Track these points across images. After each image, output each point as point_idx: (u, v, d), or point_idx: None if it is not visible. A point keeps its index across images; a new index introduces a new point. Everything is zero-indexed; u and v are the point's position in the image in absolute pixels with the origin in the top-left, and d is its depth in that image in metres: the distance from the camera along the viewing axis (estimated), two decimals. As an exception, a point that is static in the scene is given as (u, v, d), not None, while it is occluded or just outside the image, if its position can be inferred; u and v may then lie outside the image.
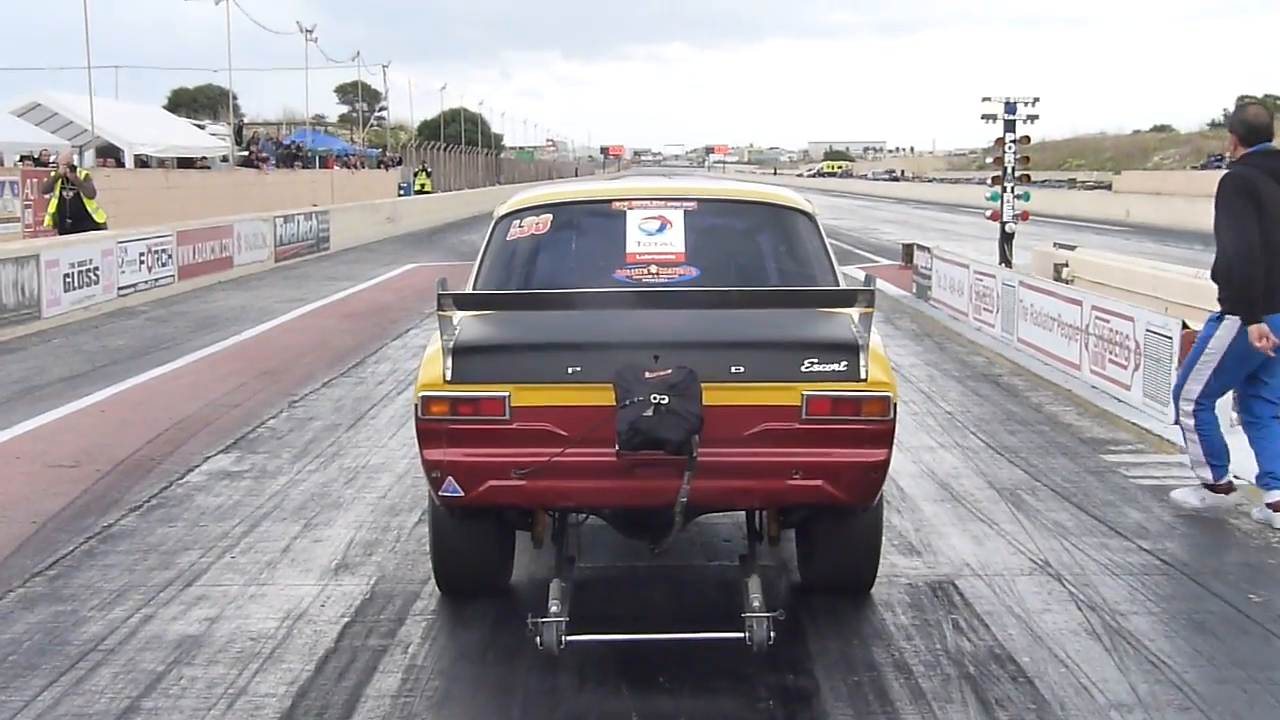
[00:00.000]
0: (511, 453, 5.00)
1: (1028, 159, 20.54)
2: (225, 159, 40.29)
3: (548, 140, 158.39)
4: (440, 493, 5.17)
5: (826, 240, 6.17)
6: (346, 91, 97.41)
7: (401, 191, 51.91)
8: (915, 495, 8.28)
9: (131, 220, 24.18)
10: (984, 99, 20.29)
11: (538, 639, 4.99)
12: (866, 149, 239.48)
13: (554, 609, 5.06)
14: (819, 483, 5.03)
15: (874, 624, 5.96)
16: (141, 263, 20.10)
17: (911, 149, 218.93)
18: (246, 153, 41.03)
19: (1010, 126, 20.15)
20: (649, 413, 4.76)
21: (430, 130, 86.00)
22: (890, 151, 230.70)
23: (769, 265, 5.99)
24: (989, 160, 21.46)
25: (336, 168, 47.84)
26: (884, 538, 6.39)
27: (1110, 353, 11.84)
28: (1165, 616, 6.10)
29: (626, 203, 5.94)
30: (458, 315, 5.19)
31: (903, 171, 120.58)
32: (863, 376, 5.00)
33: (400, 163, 58.53)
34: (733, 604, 5.53)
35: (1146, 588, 6.50)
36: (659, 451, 4.82)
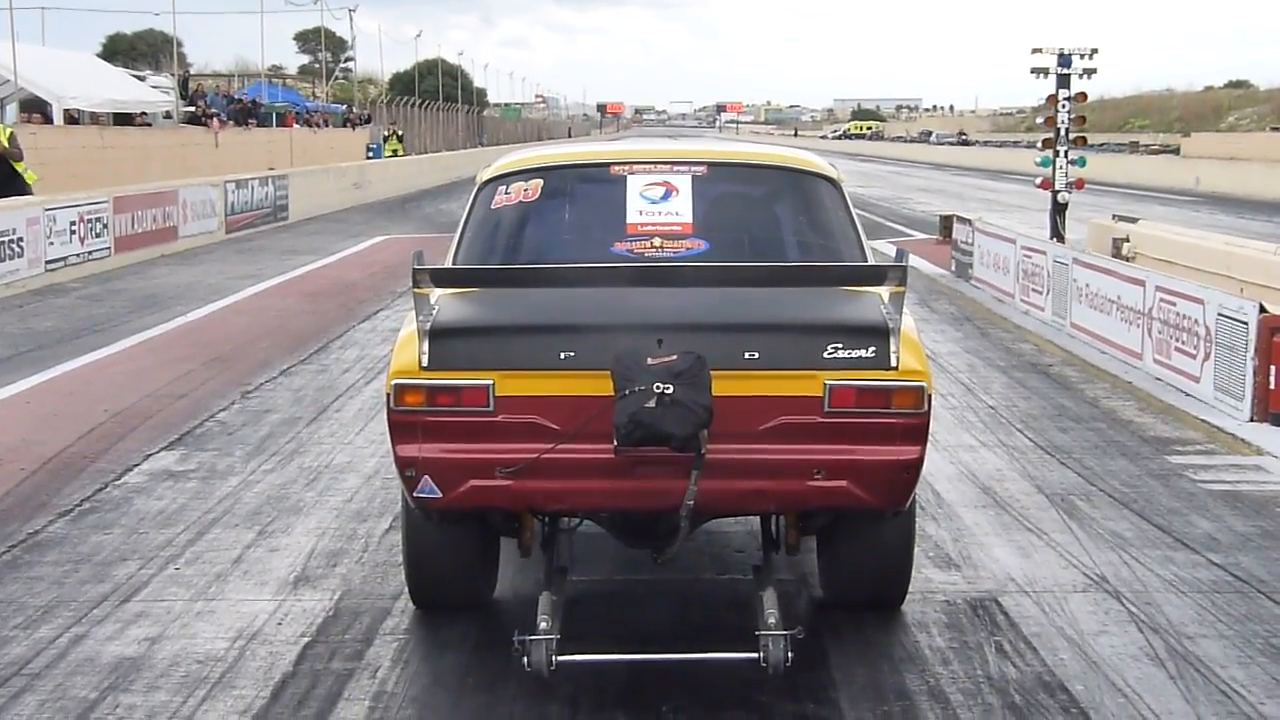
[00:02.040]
0: (496, 449, 4.96)
1: (1084, 119, 20.57)
2: (169, 115, 40.24)
3: (537, 96, 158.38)
4: (415, 494, 5.12)
5: (853, 209, 6.11)
6: (308, 39, 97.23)
7: (370, 154, 51.93)
8: (953, 501, 8.29)
9: (61, 185, 24.17)
10: (1034, 50, 20.30)
11: (525, 659, 4.97)
12: (900, 107, 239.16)
13: (543, 626, 5.01)
14: (843, 484, 4.99)
15: (906, 647, 5.97)
16: (73, 233, 20.11)
17: (951, 108, 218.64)
18: (193, 108, 41.02)
19: (1064, 82, 20.15)
20: (651, 404, 4.68)
21: (403, 84, 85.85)
22: (927, 110, 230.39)
23: (788, 238, 5.94)
24: (1040, 121, 21.52)
25: (296, 126, 47.81)
26: (917, 548, 6.45)
27: (1177, 340, 11.85)
28: (1239, 640, 6.11)
29: (627, 166, 5.86)
30: (436, 293, 5.15)
31: (962, 135, 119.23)
32: (893, 364, 4.95)
33: (369, 121, 58.54)
34: (745, 622, 5.53)
35: (1217, 607, 6.51)
36: (662, 448, 4.76)
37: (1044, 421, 10.56)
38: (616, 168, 5.88)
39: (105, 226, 21.31)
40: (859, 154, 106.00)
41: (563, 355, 4.91)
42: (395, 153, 52.95)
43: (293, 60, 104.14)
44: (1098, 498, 8.38)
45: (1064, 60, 20.16)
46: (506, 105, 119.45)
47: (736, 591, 6.36)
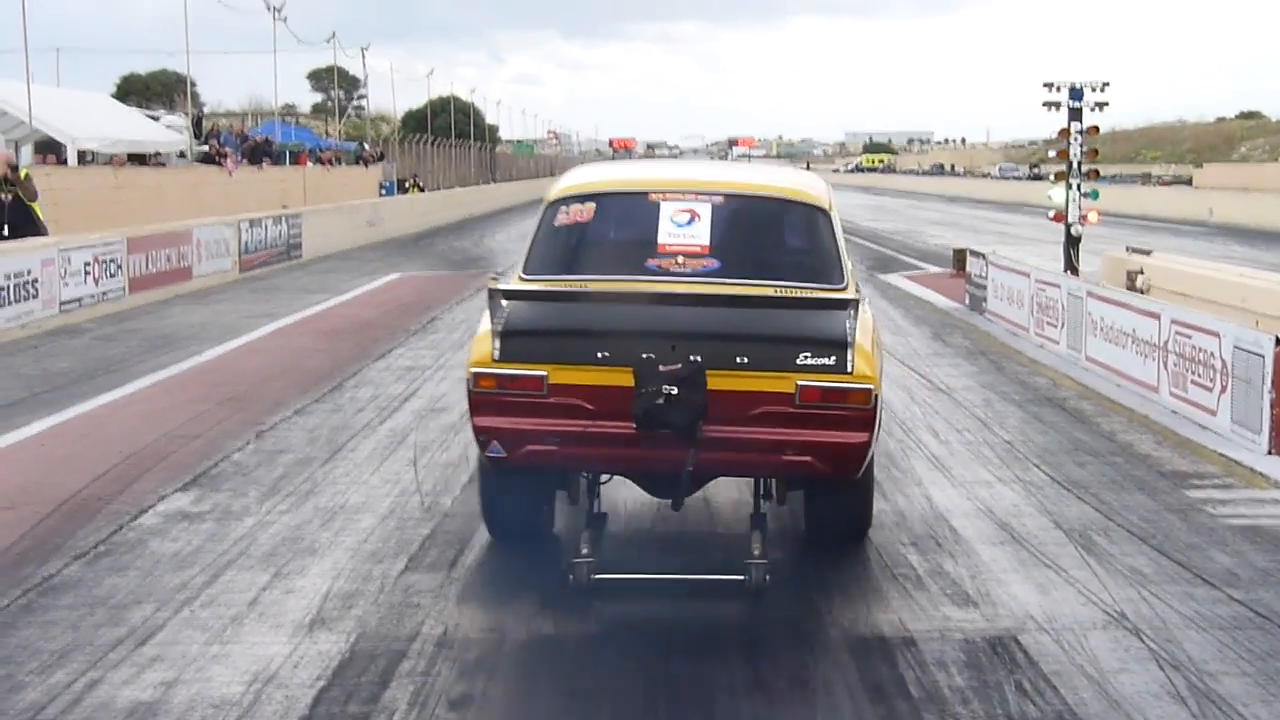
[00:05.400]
0: (547, 422, 6.56)
1: (1096, 152, 20.65)
2: (183, 155, 40.44)
3: (549, 132, 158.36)
4: (486, 454, 6.82)
5: (839, 234, 7.51)
6: (320, 78, 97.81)
7: (383, 191, 52.12)
8: (971, 537, 8.26)
9: (76, 225, 24.27)
10: (1046, 84, 20.37)
11: (571, 577, 6.67)
12: (911, 140, 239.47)
13: (585, 551, 6.76)
14: (808, 459, 6.50)
15: (925, 685, 5.94)
16: (87, 274, 20.17)
17: (962, 140, 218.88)
18: (207, 147, 41.19)
19: (1076, 115, 20.26)
20: (660, 401, 6.28)
21: (416, 121, 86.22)
22: (938, 143, 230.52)
23: (784, 258, 7.49)
24: (1052, 154, 21.53)
25: (310, 164, 47.98)
26: (935, 584, 7.22)
27: (1193, 373, 11.82)
28: (1261, 678, 6.07)
29: (662, 195, 7.38)
30: (506, 301, 6.69)
31: (940, 166, 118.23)
32: (849, 370, 6.44)
33: (382, 158, 58.69)
34: (737, 559, 7.06)
35: (1239, 644, 6.47)
36: (667, 429, 6.34)
37: (1060, 456, 10.53)
38: (654, 195, 7.39)
39: (119, 267, 21.37)
40: (872, 187, 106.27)
41: (600, 355, 6.48)
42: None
43: (306, 99, 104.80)
44: (1116, 533, 8.35)
45: (1076, 94, 20.26)
46: (519, 142, 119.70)
47: (732, 538, 7.92)
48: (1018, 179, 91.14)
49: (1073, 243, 20.51)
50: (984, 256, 20.12)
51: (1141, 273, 18.51)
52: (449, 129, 79.96)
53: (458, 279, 26.52)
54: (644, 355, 6.35)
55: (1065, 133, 20.40)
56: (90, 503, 9.14)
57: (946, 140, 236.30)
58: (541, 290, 7.06)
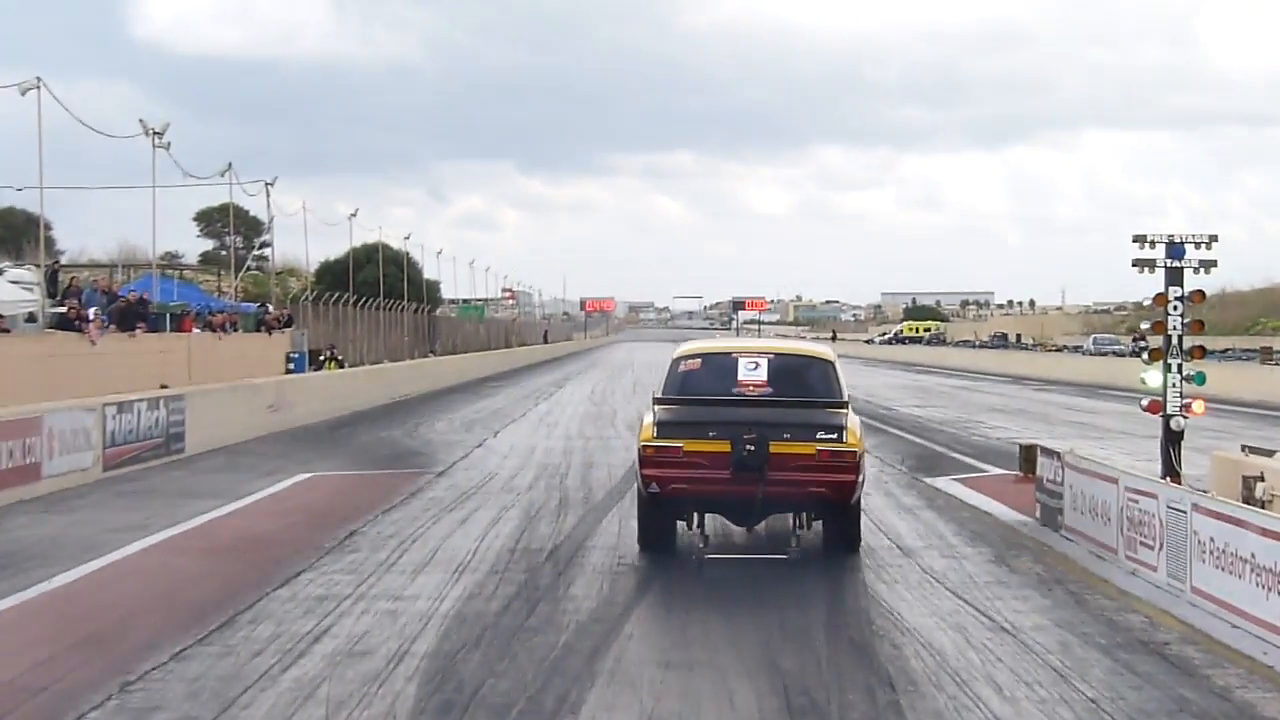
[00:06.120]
0: (682, 472, 16.96)
1: (1201, 324, 20.81)
2: (32, 318, 40.63)
3: (504, 290, 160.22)
4: (649, 490, 17.16)
5: (840, 374, 18.06)
6: (212, 219, 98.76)
7: (291, 366, 52.39)
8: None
9: (-106, 409, 24.25)
10: (1137, 238, 20.58)
11: (694, 557, 17.40)
12: (965, 303, 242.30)
13: (700, 546, 17.46)
14: (823, 490, 16.88)
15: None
16: (-93, 473, 20.15)
17: (1031, 303, 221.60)
18: (63, 308, 41.40)
19: (1175, 278, 20.41)
20: (744, 454, 16.63)
21: (334, 276, 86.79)
22: (1000, 307, 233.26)
23: (809, 386, 18.08)
24: (1145, 325, 21.68)
25: (197, 330, 48.23)
26: None
27: (1328, 611, 11.83)
28: None
29: (739, 355, 18.31)
30: (658, 407, 17.52)
31: (1002, 335, 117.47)
32: (844, 441, 16.87)
33: (290, 323, 59.02)
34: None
35: None
36: (747, 474, 16.77)
37: (1160, 720, 10.56)
38: (735, 355, 18.33)
39: (-52, 464, 21.36)
40: (915, 363, 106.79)
41: (710, 434, 16.85)
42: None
43: (192, 246, 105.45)
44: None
45: (1175, 250, 20.38)
46: (465, 302, 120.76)
47: (779, 542, 18.52)
48: (1118, 354, 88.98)
49: (1173, 439, 20.56)
50: (1059, 456, 20.22)
51: (1262, 479, 18.57)
52: (376, 285, 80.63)
53: (385, 481, 26.61)
54: (735, 435, 16.56)
55: (1162, 299, 20.46)
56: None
57: (1010, 303, 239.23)
58: (679, 399, 17.76)
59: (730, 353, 18.65)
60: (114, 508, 22.71)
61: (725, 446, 16.67)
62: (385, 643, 12.96)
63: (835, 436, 16.82)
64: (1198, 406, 20.79)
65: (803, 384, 18.14)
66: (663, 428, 17.12)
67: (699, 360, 18.66)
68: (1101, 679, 11.82)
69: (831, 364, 18.43)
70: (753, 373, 17.84)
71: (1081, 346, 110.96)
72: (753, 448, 16.55)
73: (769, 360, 18.10)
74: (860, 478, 17.18)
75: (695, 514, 17.76)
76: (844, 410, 17.31)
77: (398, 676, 11.76)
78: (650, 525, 18.03)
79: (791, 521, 17.90)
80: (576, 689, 11.34)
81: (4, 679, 11.51)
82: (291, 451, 32.84)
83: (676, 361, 18.57)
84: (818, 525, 18.26)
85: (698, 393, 17.89)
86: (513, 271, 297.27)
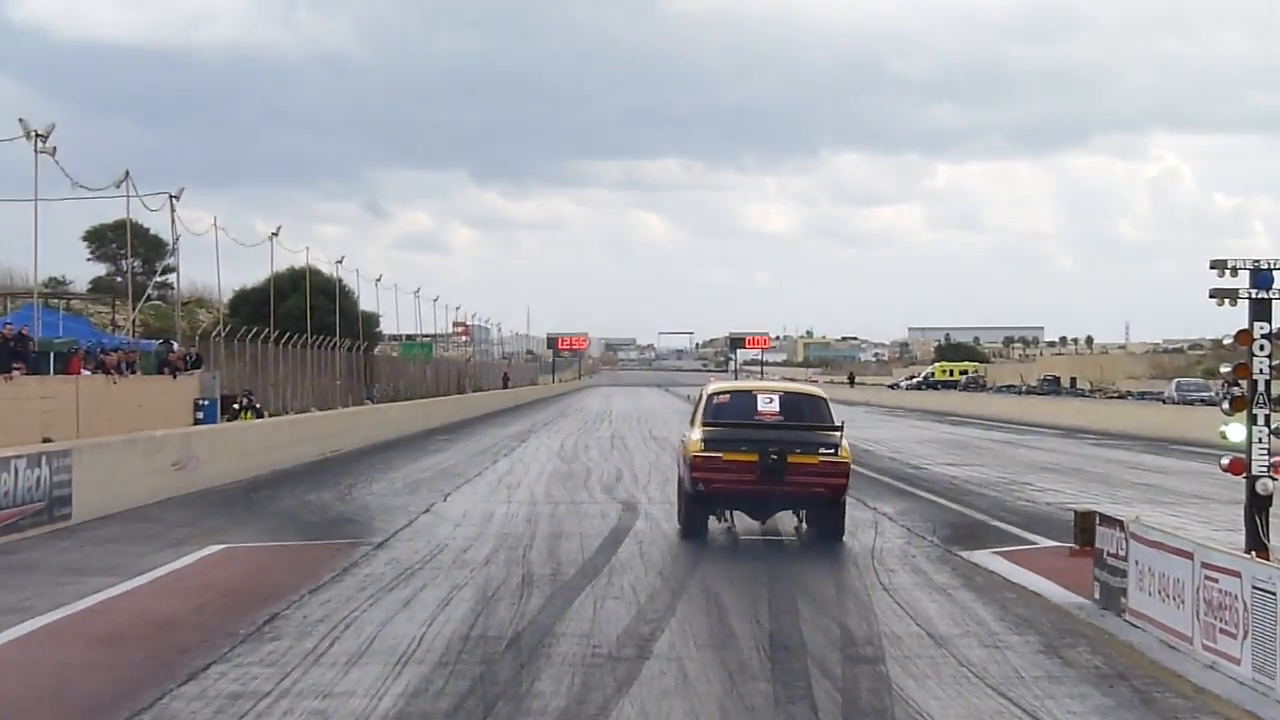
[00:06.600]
0: (720, 475, 29.63)
1: (1292, 366, 20.70)
2: (-109, 358, 40.63)
3: (456, 325, 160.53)
4: (694, 488, 29.95)
5: (831, 406, 31.07)
6: (105, 239, 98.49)
7: (201, 415, 52.33)
8: None
9: None
10: (1214, 264, 20.37)
11: (728, 530, 31.50)
12: (1009, 340, 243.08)
13: (724, 526, 31.88)
14: (823, 490, 29.75)
15: None
16: None
17: (1088, 341, 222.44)
18: (-72, 347, 41.45)
19: (1262, 311, 20.13)
20: (769, 463, 29.08)
21: (251, 307, 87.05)
22: (1050, 344, 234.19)
23: (810, 414, 30.93)
24: (1225, 368, 21.50)
25: (86, 372, 48.24)
26: None
27: None
28: None
29: (757, 392, 31.99)
30: (704, 428, 30.67)
31: (1055, 378, 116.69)
32: (838, 454, 29.55)
33: (199, 363, 59.04)
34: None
35: None
36: (770, 476, 29.73)
37: (1248, 846, 10.53)
38: (754, 392, 32.14)
39: None
40: (948, 413, 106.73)
41: (743, 447, 29.46)
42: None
43: (82, 271, 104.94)
44: None
45: (1262, 278, 20.07)
46: (409, 339, 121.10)
47: (785, 529, 31.35)
48: (1207, 401, 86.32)
49: (1259, 505, 20.37)
50: (1122, 525, 20.16)
51: (1364, 553, 18.54)
52: (302, 318, 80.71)
53: (313, 554, 26.64)
54: (765, 449, 28.95)
55: (1246, 337, 20.22)
56: None
57: (1063, 340, 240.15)
58: (718, 422, 29.94)
59: (750, 390, 32.26)
60: (-13, 586, 22.58)
61: (754, 457, 28.38)
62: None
63: (833, 450, 28.61)
64: (1285, 466, 20.73)
65: (805, 413, 30.03)
66: (708, 442, 28.98)
67: (728, 395, 31.37)
68: (1176, 796, 11.74)
69: (824, 399, 31.32)
70: (768, 405, 29.82)
71: (1155, 393, 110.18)
72: (775, 458, 28.22)
73: (779, 396, 30.71)
74: (848, 481, 29.79)
75: (725, 511, 30.68)
76: (837, 432, 28.95)
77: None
78: (691, 518, 30.34)
79: (797, 515, 30.88)
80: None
81: None
82: (200, 518, 32.78)
83: (711, 396, 30.92)
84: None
85: (730, 418, 29.68)
86: (466, 302, 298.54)
